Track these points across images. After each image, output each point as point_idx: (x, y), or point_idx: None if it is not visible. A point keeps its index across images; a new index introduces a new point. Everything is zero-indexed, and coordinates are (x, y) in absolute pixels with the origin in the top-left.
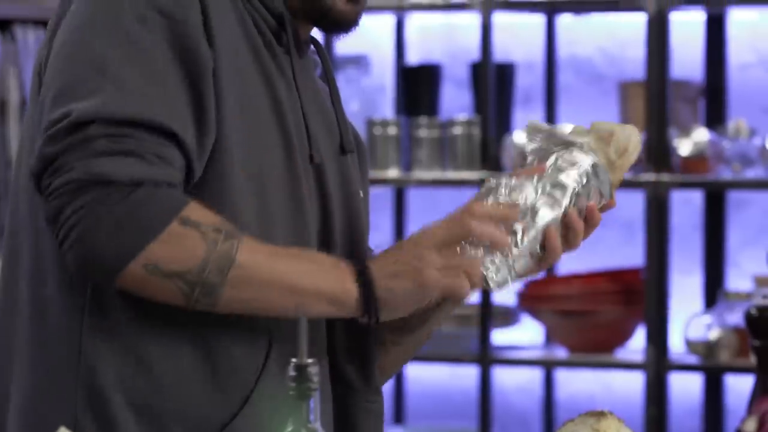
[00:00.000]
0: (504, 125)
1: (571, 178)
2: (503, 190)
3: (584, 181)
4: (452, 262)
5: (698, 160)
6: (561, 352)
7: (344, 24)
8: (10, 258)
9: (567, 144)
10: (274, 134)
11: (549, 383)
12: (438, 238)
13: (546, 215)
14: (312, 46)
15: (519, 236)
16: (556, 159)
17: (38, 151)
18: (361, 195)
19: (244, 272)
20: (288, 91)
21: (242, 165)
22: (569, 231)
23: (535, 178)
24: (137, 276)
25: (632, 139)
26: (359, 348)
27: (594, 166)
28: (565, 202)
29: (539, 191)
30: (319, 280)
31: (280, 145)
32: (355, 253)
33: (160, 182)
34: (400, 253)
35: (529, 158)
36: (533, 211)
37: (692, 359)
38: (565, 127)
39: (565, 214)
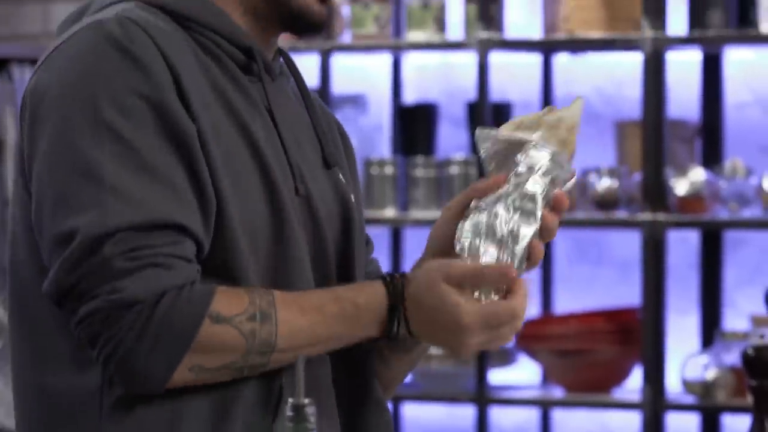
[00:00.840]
0: None
1: (536, 184)
2: (483, 225)
3: (548, 179)
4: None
5: (695, 199)
6: (558, 392)
7: (316, 25)
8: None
9: (520, 144)
10: (257, 182)
11: (546, 423)
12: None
13: (526, 234)
14: (281, 59)
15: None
16: (516, 167)
17: (55, 278)
18: (353, 200)
19: (286, 352)
20: (264, 128)
21: (239, 224)
22: (544, 231)
23: (502, 195)
24: (187, 379)
25: (578, 112)
26: (361, 362)
27: (552, 158)
28: (539, 211)
29: (511, 209)
30: (358, 330)
31: (264, 196)
32: (351, 270)
33: (182, 284)
34: (439, 319)
35: (489, 167)
36: (513, 236)
37: (689, 399)
38: (514, 121)
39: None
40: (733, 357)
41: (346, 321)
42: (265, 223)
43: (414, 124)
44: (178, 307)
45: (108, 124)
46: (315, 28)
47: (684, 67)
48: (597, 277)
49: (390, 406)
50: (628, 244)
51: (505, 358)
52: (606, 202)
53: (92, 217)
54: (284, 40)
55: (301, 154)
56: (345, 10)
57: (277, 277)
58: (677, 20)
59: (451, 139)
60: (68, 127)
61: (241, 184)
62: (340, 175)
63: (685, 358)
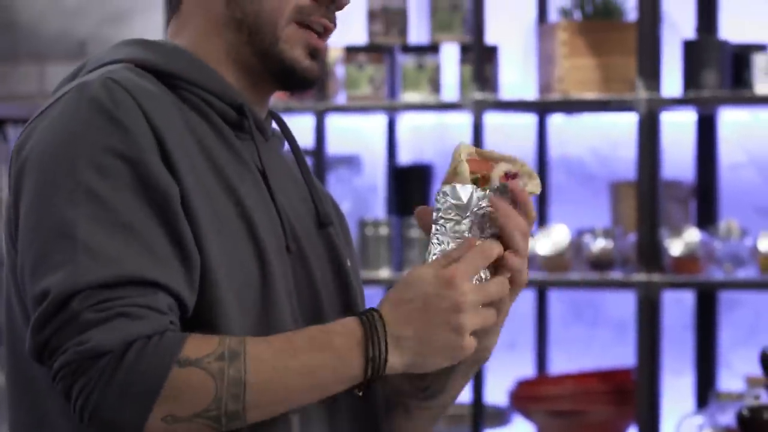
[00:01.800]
0: None
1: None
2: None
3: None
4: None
5: (690, 260)
6: None
7: (308, 81)
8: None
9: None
10: (245, 242)
11: None
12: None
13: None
14: (273, 122)
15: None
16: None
17: (30, 336)
18: (349, 264)
19: (260, 392)
20: (255, 186)
21: (225, 283)
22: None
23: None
24: (160, 430)
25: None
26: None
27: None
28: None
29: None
30: (333, 360)
31: (252, 256)
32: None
33: (152, 333)
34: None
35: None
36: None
37: None
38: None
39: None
40: (728, 418)
41: (316, 347)
42: (253, 282)
43: (409, 185)
44: (146, 355)
45: (85, 184)
46: (306, 83)
47: (679, 128)
48: (592, 338)
49: None
50: (623, 304)
51: (500, 419)
52: (601, 263)
53: (64, 276)
54: (279, 100)
55: (294, 213)
56: (340, 71)
57: (264, 335)
58: (672, 81)
59: None
60: (47, 188)
61: (228, 244)
62: (335, 236)
63: (680, 419)
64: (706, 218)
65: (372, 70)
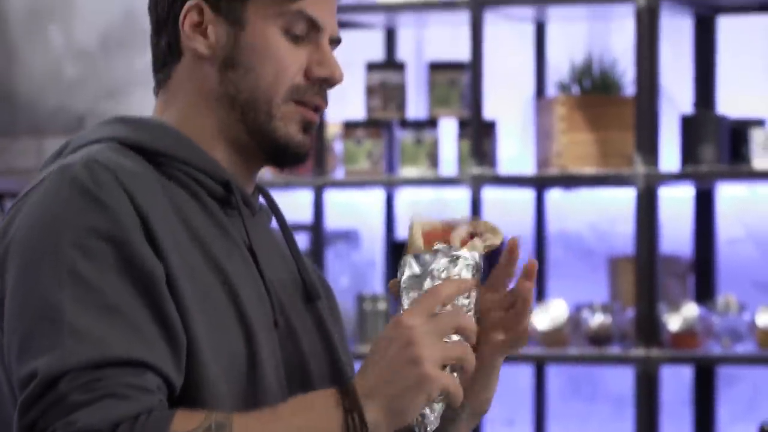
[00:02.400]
0: None
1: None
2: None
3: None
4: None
5: (688, 335)
6: None
7: (300, 157)
8: None
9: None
10: (232, 319)
11: None
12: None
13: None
14: (260, 196)
15: None
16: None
17: (18, 418)
18: (336, 337)
19: None
20: (243, 262)
21: (212, 362)
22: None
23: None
24: None
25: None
26: None
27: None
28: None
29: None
30: (318, 425)
31: (239, 333)
32: None
33: (139, 413)
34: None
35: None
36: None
37: None
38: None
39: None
40: None
41: (298, 410)
42: (240, 359)
43: None
44: None
45: (69, 266)
46: (298, 159)
47: (677, 203)
48: (591, 413)
49: None
50: (622, 379)
51: None
52: (599, 338)
53: (51, 358)
54: (277, 175)
55: (282, 288)
56: (338, 146)
57: (252, 410)
58: (670, 156)
59: None
60: (31, 271)
61: (214, 322)
62: (322, 310)
63: None
64: (705, 293)
65: (370, 145)
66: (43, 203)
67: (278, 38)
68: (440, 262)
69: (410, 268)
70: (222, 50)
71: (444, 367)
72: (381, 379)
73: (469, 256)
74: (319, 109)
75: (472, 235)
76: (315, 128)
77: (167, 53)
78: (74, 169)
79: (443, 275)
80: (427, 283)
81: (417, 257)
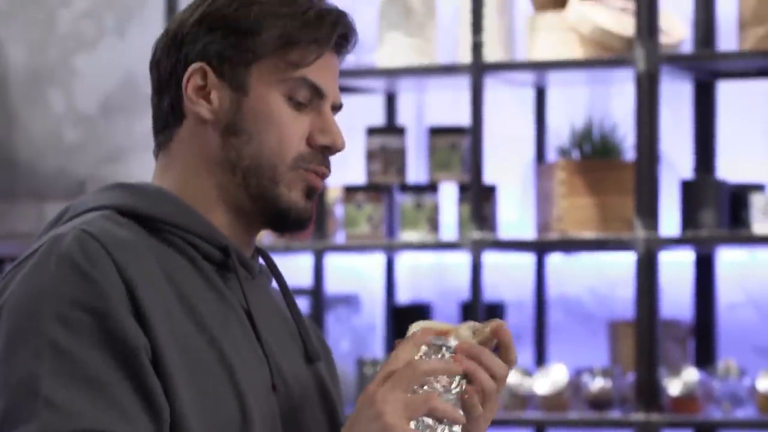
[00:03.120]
0: None
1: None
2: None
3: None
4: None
5: (688, 399)
6: None
7: (303, 222)
8: None
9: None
10: (226, 388)
11: None
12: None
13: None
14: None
15: None
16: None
17: None
18: (335, 398)
19: None
20: (240, 326)
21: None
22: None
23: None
24: None
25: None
26: None
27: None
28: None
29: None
30: None
31: (234, 402)
32: None
33: None
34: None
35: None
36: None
37: None
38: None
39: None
40: None
41: None
42: (234, 428)
43: (407, 324)
44: None
45: (50, 338)
46: (301, 225)
47: (677, 268)
48: None
49: None
50: None
51: None
52: (599, 402)
53: (26, 430)
54: (278, 239)
55: (281, 350)
56: (338, 211)
57: None
58: (670, 221)
59: None
60: (15, 341)
61: (205, 391)
62: (322, 371)
63: None
64: (705, 357)
65: (371, 209)
66: (32, 274)
67: (281, 105)
68: (422, 350)
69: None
70: (225, 115)
71: (416, 420)
72: None
73: (453, 344)
74: (323, 176)
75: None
76: (317, 194)
77: (169, 115)
78: (65, 241)
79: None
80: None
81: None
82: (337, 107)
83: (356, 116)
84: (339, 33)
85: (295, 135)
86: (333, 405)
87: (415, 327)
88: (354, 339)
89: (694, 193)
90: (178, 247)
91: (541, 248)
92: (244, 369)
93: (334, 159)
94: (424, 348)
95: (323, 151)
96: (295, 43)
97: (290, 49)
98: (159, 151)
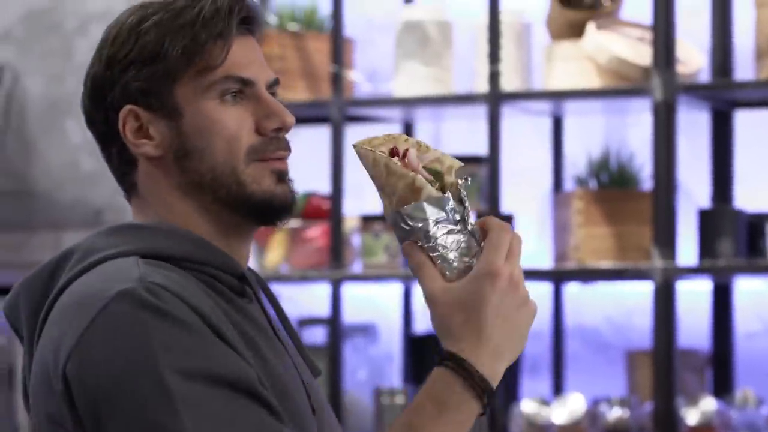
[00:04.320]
0: (511, 394)
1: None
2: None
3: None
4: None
5: (706, 429)
6: None
7: (288, 208)
8: None
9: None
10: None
11: None
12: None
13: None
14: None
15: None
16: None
17: None
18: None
19: None
20: (276, 353)
21: None
22: None
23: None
24: None
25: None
26: None
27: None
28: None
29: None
30: (463, 420)
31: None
32: None
33: None
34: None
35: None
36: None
37: None
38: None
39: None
40: None
41: (436, 417)
42: None
43: (425, 354)
44: None
45: (179, 394)
46: (285, 210)
47: (694, 297)
48: None
49: None
50: None
51: None
52: None
53: None
54: (295, 269)
55: (303, 370)
56: (356, 240)
57: None
58: (687, 250)
59: None
60: (142, 407)
61: (294, 417)
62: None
63: None
64: (723, 387)
65: (388, 239)
66: (121, 335)
67: (216, 109)
68: (451, 204)
69: (429, 213)
70: (171, 144)
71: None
72: (506, 336)
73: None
74: (282, 158)
75: (396, 152)
76: (288, 174)
77: (121, 164)
78: (139, 294)
79: (467, 204)
80: (460, 225)
81: (434, 200)
82: (273, 83)
83: None
84: (239, 17)
85: (240, 130)
86: (338, 416)
87: (378, 156)
88: (371, 369)
89: (711, 223)
90: (206, 282)
91: (558, 278)
92: (297, 395)
93: (350, 189)
94: (452, 203)
95: (276, 135)
96: (200, 48)
97: (199, 56)
98: (130, 198)
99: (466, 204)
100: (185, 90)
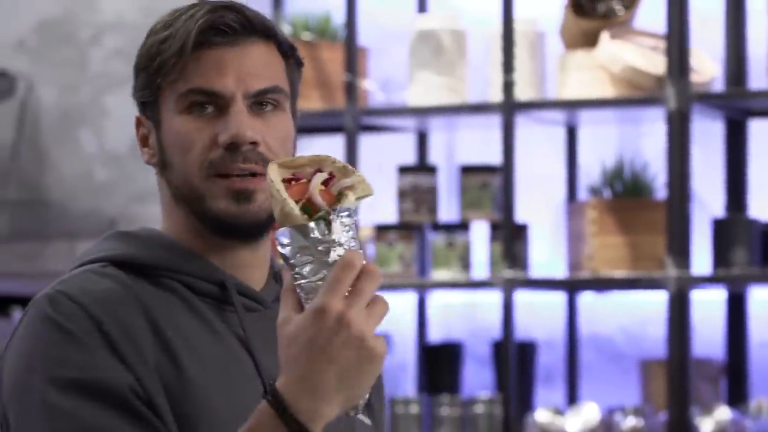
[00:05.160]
0: (525, 404)
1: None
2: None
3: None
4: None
5: None
6: None
7: (242, 227)
8: None
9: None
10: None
11: None
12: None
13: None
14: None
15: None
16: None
17: None
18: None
19: None
20: (236, 361)
21: None
22: None
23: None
24: None
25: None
26: None
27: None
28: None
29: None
30: None
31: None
32: None
33: None
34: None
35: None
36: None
37: None
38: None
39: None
40: None
41: None
42: None
43: (439, 363)
44: None
45: (46, 401)
46: (241, 230)
47: (709, 306)
48: None
49: None
50: None
51: None
52: None
53: None
54: None
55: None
56: (370, 250)
57: None
58: (701, 259)
59: (476, 378)
60: (14, 410)
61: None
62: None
63: None
64: (737, 397)
65: (402, 248)
66: (21, 338)
67: (183, 123)
68: (321, 228)
69: (295, 242)
70: (157, 154)
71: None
72: (330, 379)
73: (348, 221)
74: (241, 173)
75: (327, 183)
76: (254, 195)
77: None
78: (44, 303)
79: (335, 237)
80: (320, 256)
81: (298, 228)
82: (257, 94)
83: (387, 155)
84: (200, 29)
85: (196, 144)
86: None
87: (276, 178)
88: (385, 378)
89: (725, 232)
90: (175, 290)
91: (572, 287)
92: (229, 406)
93: (365, 199)
94: (323, 227)
95: (229, 148)
96: (164, 62)
97: (166, 69)
98: None
99: (334, 237)
100: (165, 102)
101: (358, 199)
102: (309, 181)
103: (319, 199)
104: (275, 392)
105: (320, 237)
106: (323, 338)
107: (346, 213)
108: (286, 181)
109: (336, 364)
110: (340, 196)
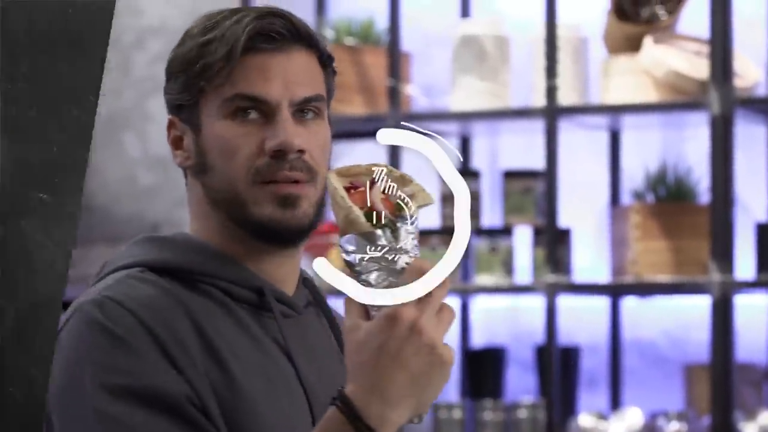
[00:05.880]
0: (569, 409)
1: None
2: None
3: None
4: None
5: None
6: None
7: (284, 233)
8: None
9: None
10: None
11: None
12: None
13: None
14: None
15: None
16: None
17: None
18: None
19: None
20: (277, 367)
21: None
22: None
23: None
24: None
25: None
26: None
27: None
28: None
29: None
30: None
31: None
32: None
33: None
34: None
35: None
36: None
37: None
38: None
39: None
40: None
41: None
42: None
43: (482, 368)
44: None
45: (97, 408)
46: (283, 235)
47: (752, 311)
48: None
49: None
50: None
51: None
52: None
53: None
54: None
55: (328, 385)
56: None
57: None
58: (745, 264)
59: (519, 383)
60: (63, 419)
61: None
62: None
63: None
64: None
65: (444, 253)
66: (66, 346)
67: (228, 128)
68: (387, 236)
69: (361, 250)
70: (194, 158)
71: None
72: (400, 385)
73: (411, 229)
74: (286, 180)
75: (385, 193)
76: (299, 201)
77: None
78: (89, 309)
79: (401, 245)
80: (386, 264)
81: (365, 235)
82: (303, 102)
83: (429, 160)
84: (249, 35)
85: (244, 151)
86: None
87: (338, 186)
88: None
89: None
90: (212, 296)
91: (615, 292)
92: (274, 413)
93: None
94: (389, 235)
95: (276, 156)
96: (209, 65)
97: (210, 73)
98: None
99: (401, 244)
100: (208, 106)
101: (420, 207)
102: (370, 188)
103: (382, 207)
104: (345, 398)
105: (387, 244)
106: (395, 345)
107: (410, 221)
108: (345, 189)
109: (407, 370)
110: (399, 205)
